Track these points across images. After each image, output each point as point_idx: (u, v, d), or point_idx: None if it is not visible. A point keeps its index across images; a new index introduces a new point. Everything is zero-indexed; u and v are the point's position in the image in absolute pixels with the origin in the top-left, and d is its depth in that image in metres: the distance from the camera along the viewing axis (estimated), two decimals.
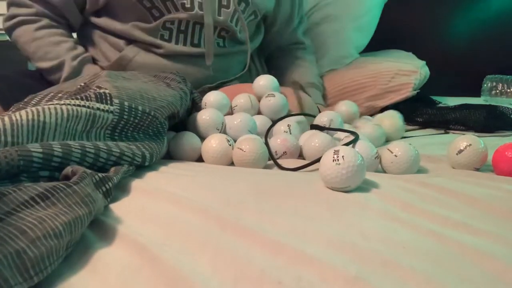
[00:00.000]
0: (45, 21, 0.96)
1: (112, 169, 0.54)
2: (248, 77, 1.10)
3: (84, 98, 0.58)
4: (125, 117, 0.61)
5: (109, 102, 0.60)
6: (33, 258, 0.33)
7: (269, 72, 1.15)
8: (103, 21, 0.98)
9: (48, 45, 0.95)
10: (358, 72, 1.18)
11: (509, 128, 0.97)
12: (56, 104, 0.55)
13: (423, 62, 1.20)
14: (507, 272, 0.35)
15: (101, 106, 0.58)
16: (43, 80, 0.97)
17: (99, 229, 0.42)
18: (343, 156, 0.51)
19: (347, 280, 0.33)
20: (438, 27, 1.51)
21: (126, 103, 0.61)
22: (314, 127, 0.79)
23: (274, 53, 1.21)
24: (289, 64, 1.17)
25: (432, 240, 0.41)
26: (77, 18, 1.00)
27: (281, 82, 0.96)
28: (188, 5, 0.93)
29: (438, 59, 1.27)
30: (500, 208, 0.48)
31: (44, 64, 0.95)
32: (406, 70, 1.15)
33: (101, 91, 0.61)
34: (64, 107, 0.54)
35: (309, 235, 0.40)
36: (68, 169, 0.48)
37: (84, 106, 0.57)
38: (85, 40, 1.02)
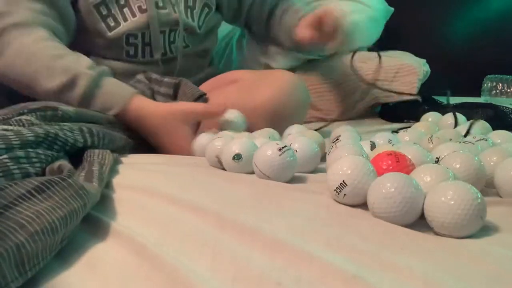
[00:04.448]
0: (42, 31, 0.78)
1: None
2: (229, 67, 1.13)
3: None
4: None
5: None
6: (30, 252, 0.33)
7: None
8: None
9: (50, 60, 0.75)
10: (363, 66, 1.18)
11: (509, 128, 0.97)
12: None
13: (424, 60, 1.21)
14: (505, 272, 0.35)
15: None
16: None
17: (98, 229, 0.42)
18: (344, 195, 0.48)
19: (346, 280, 0.33)
20: (438, 27, 1.51)
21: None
22: None
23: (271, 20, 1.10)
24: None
25: (430, 240, 0.41)
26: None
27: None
28: (144, 7, 0.89)
29: (438, 59, 1.27)
30: (500, 209, 0.48)
31: (51, 83, 0.73)
32: (408, 65, 1.15)
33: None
34: None
35: (308, 235, 0.40)
36: (55, 165, 0.49)
37: None
38: None
